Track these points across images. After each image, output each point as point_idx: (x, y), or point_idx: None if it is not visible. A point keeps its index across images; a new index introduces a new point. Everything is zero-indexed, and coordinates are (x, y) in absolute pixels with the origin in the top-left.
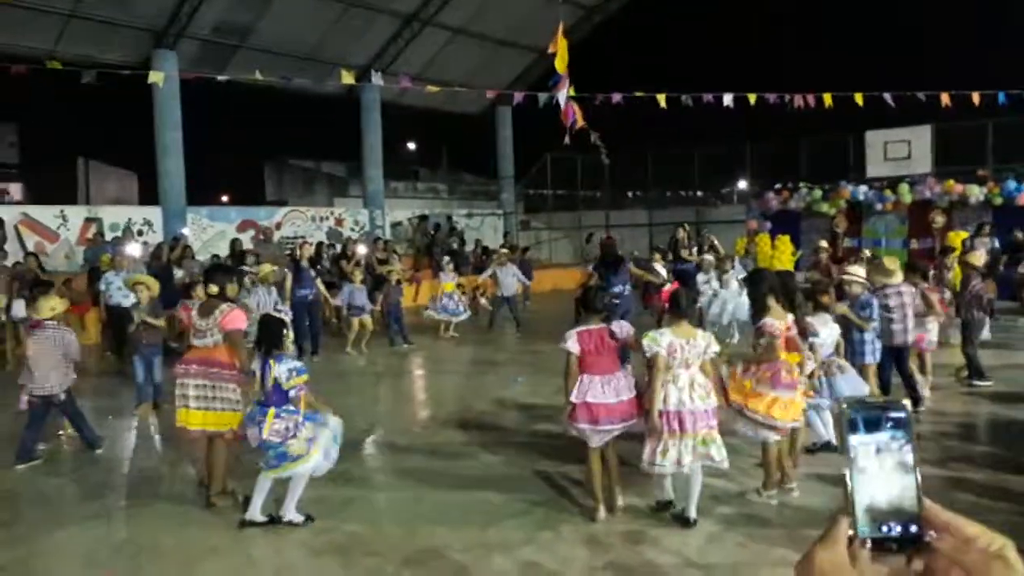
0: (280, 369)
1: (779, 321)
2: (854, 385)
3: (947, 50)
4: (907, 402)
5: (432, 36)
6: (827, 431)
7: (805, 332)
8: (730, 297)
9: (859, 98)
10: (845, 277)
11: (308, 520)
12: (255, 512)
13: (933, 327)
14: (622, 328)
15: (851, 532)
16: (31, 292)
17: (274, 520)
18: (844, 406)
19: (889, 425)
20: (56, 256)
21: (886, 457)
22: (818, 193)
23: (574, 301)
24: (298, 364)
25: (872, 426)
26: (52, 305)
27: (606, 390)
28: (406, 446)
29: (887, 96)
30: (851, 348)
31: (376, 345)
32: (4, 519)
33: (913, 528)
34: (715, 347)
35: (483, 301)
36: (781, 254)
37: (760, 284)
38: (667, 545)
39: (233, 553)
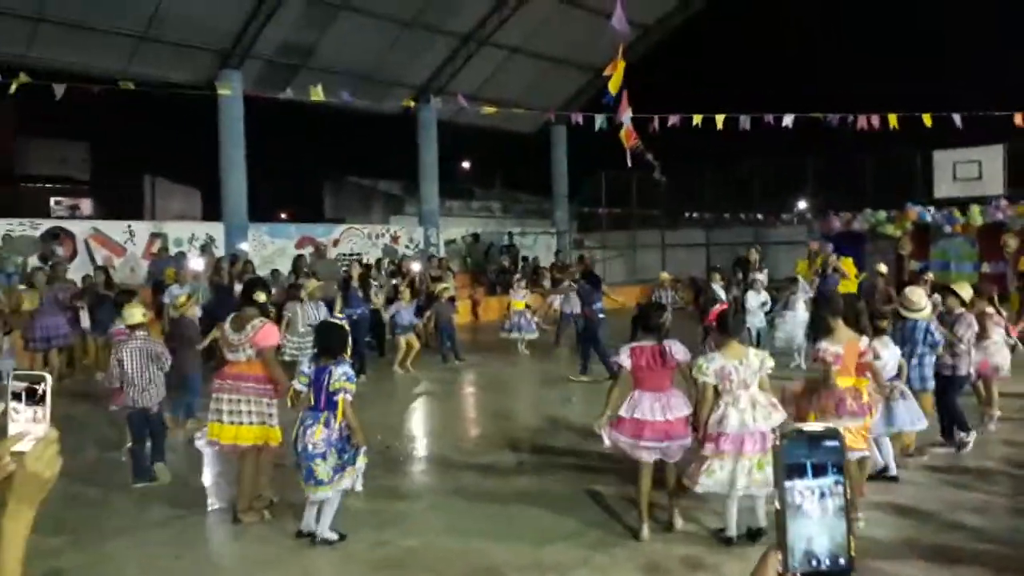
0: (337, 372)
1: (836, 346)
2: (913, 414)
3: (1021, 68)
4: (837, 427)
5: (488, 55)
6: (884, 457)
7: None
8: (796, 320)
9: (927, 119)
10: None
11: (342, 538)
12: (324, 529)
13: (1000, 352)
14: (675, 350)
15: (780, 570)
16: (115, 301)
17: (305, 535)
18: (784, 442)
19: (832, 467)
20: (122, 270)
21: (828, 501)
22: (882, 214)
23: (631, 320)
24: (351, 372)
25: (820, 471)
26: (142, 312)
27: (655, 407)
28: (459, 463)
29: (956, 118)
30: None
31: (429, 363)
32: (72, 523)
33: (842, 561)
34: (770, 363)
35: (536, 319)
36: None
37: (823, 306)
38: (726, 572)
39: (289, 566)
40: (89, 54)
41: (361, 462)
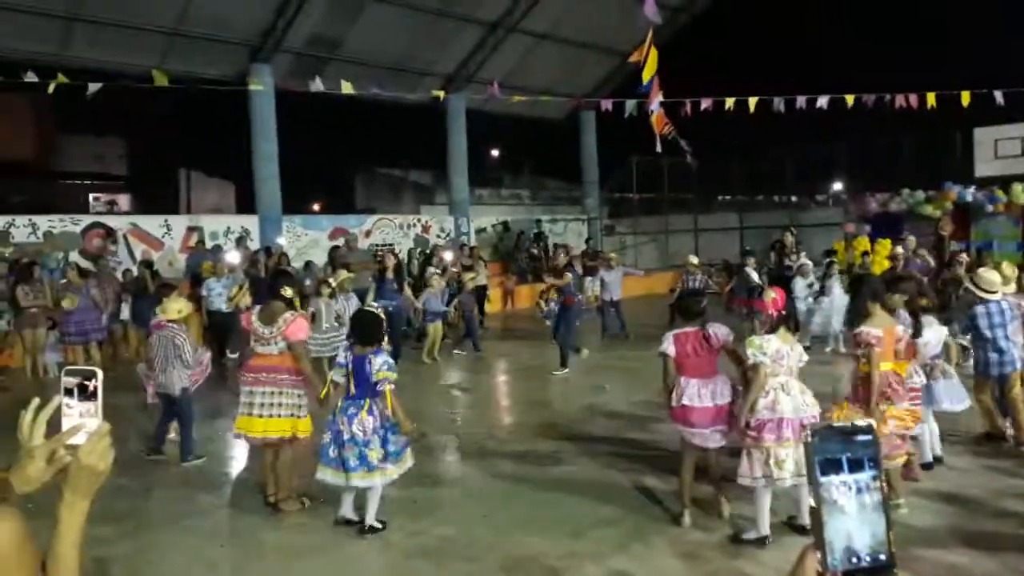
0: (377, 361)
1: (877, 328)
2: (954, 394)
3: None
4: (870, 421)
5: (516, 42)
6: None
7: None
8: (834, 305)
9: (966, 97)
10: (968, 283)
11: (384, 526)
12: (371, 518)
13: None
14: (718, 332)
15: (819, 569)
16: (158, 294)
17: (354, 523)
18: (815, 439)
19: (868, 462)
20: (160, 264)
21: (865, 497)
22: (921, 195)
23: (669, 307)
24: (391, 361)
25: (856, 466)
26: (179, 307)
27: (703, 393)
28: (493, 451)
29: (998, 94)
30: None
31: (459, 352)
32: (119, 513)
33: (882, 557)
34: (805, 356)
35: (551, 305)
36: (880, 258)
37: (862, 289)
38: (766, 560)
39: (330, 554)
40: (122, 52)
41: (410, 459)
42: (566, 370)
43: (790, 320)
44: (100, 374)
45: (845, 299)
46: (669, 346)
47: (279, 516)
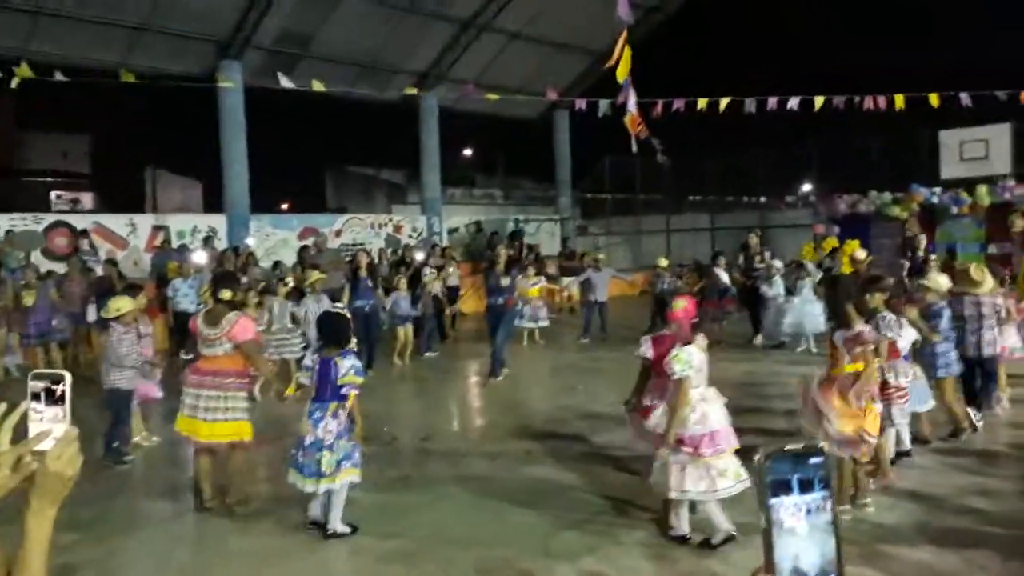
0: (344, 364)
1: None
2: (919, 395)
3: None
4: (823, 444)
5: (489, 41)
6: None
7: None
8: (804, 306)
9: (934, 99)
10: (923, 283)
11: (354, 530)
12: (334, 522)
13: (1011, 334)
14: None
15: None
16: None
17: (312, 526)
18: (767, 462)
19: (819, 483)
20: (125, 263)
21: (815, 517)
22: (888, 196)
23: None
24: (359, 364)
25: (806, 486)
26: (117, 306)
27: None
28: (467, 453)
29: (964, 96)
30: (923, 361)
31: (432, 354)
32: (85, 519)
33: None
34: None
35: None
36: (848, 258)
37: (838, 291)
38: (735, 560)
39: (301, 558)
40: (88, 47)
41: (357, 464)
42: (502, 375)
43: (703, 328)
44: (68, 378)
45: (814, 299)
46: (647, 349)
47: (247, 520)
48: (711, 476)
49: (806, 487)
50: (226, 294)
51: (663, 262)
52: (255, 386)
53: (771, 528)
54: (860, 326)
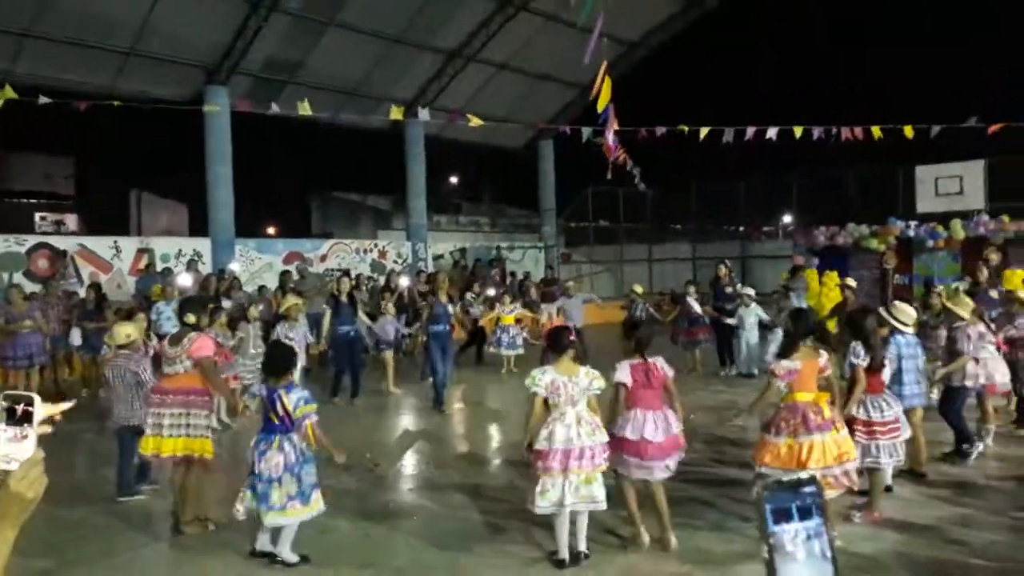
0: (292, 398)
1: (794, 362)
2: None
3: (1001, 83)
4: (813, 474)
5: (475, 72)
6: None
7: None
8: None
9: (909, 131)
10: (884, 313)
11: (303, 560)
12: (282, 551)
13: (999, 368)
14: (662, 364)
15: None
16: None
17: (259, 555)
18: (764, 493)
19: (815, 510)
20: (109, 286)
21: (814, 544)
22: (865, 229)
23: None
24: (306, 393)
25: (805, 513)
26: (127, 331)
27: (658, 426)
28: (448, 482)
29: (935, 129)
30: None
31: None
32: (63, 544)
33: None
34: (599, 383)
35: (525, 335)
36: (829, 290)
37: (799, 324)
38: None
39: None
40: (75, 70)
41: (320, 504)
42: (455, 404)
43: (560, 349)
44: (38, 400)
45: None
46: (626, 375)
47: (232, 545)
48: (556, 491)
49: (805, 514)
50: (191, 318)
51: (638, 288)
52: (221, 409)
53: (773, 555)
54: (787, 360)
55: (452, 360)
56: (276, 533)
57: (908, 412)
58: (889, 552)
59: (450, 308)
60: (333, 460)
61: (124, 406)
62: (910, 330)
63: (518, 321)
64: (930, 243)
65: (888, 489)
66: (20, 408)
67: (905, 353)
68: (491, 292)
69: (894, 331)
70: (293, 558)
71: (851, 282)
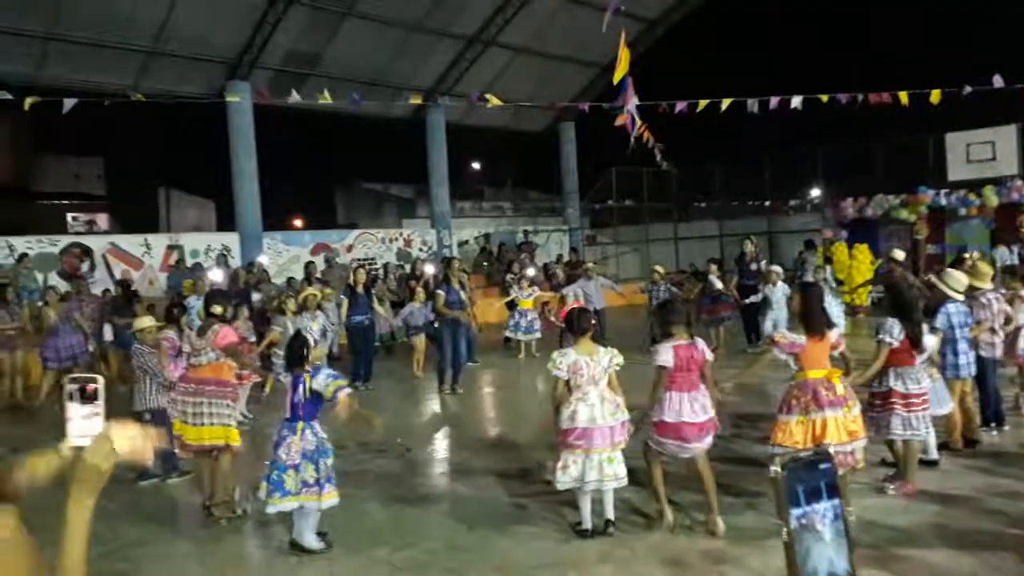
0: (319, 380)
1: (803, 337)
2: (939, 397)
3: None
4: (827, 449)
5: (494, 56)
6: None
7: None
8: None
9: (936, 95)
10: (934, 279)
11: (327, 547)
12: (301, 536)
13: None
14: (703, 345)
15: None
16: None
17: (292, 544)
18: (786, 472)
19: (831, 489)
20: (140, 283)
21: (840, 523)
22: (895, 199)
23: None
24: (330, 371)
25: (832, 491)
26: (141, 325)
27: (695, 407)
28: (478, 465)
29: (968, 89)
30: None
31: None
32: (98, 533)
33: None
34: (619, 359)
35: (551, 319)
36: (860, 264)
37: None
38: (750, 565)
39: (316, 569)
40: (100, 71)
41: (334, 496)
42: (458, 388)
43: (579, 330)
44: (101, 379)
45: (832, 302)
46: (669, 357)
47: (263, 533)
48: (577, 468)
49: (832, 493)
50: (217, 309)
51: (660, 269)
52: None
53: (792, 542)
54: (793, 335)
55: (472, 343)
56: (300, 523)
57: (962, 382)
58: (924, 524)
59: (463, 294)
60: (366, 446)
61: (139, 395)
62: (961, 297)
63: (544, 304)
64: (962, 211)
65: (934, 463)
66: (92, 387)
67: (955, 323)
68: (531, 272)
69: (946, 299)
70: (316, 545)
71: (899, 254)
